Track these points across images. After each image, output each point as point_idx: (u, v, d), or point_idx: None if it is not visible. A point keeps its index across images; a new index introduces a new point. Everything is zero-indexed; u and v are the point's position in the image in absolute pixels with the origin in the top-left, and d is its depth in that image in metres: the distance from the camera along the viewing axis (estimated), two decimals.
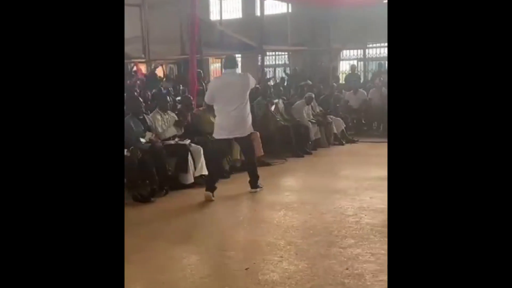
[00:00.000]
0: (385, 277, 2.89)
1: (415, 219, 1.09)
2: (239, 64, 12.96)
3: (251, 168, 5.16)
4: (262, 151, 6.79)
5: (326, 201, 4.77)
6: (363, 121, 9.92)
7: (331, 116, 8.49)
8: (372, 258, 3.21)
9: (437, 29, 1.15)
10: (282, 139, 7.37)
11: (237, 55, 15.96)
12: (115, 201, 1.25)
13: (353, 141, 8.56)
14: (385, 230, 3.77)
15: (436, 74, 1.14)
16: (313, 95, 8.26)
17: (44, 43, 1.19)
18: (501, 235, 1.02)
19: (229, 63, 4.98)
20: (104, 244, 1.21)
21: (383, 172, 6.05)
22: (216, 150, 5.18)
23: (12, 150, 1.13)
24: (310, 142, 7.80)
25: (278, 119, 7.56)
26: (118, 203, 1.29)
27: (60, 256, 1.18)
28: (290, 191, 5.38)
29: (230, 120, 4.84)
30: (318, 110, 8.47)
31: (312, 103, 8.24)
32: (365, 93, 9.98)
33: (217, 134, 4.98)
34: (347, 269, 3.04)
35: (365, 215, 4.19)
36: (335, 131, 8.40)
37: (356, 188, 5.34)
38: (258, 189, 5.15)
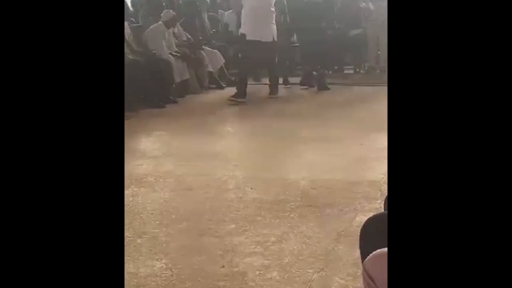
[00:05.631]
0: (276, 274, 2.97)
1: (415, 217, 1.25)
2: None
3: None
4: None
5: (196, 170, 4.80)
6: None
7: (205, 47, 8.47)
8: (258, 248, 3.28)
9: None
10: (132, 82, 7.19)
11: None
12: (113, 196, 1.44)
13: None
14: (277, 207, 3.87)
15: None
16: (175, 15, 8.10)
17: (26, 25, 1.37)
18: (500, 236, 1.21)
19: None
20: (102, 240, 1.40)
21: (278, 124, 6.25)
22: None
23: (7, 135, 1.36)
24: (174, 86, 7.80)
25: (125, 52, 7.36)
26: (117, 200, 1.47)
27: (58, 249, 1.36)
28: (143, 158, 5.31)
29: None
30: (185, 38, 8.41)
31: (175, 27, 8.14)
32: None
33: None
34: (223, 266, 3.08)
35: (251, 188, 4.27)
36: (210, 69, 8.45)
37: (240, 150, 5.42)
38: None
